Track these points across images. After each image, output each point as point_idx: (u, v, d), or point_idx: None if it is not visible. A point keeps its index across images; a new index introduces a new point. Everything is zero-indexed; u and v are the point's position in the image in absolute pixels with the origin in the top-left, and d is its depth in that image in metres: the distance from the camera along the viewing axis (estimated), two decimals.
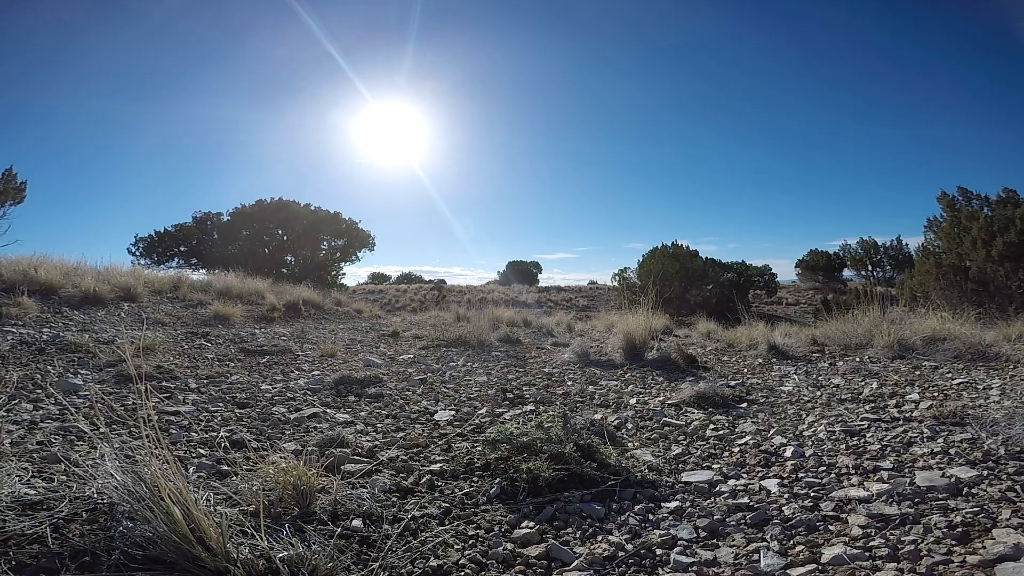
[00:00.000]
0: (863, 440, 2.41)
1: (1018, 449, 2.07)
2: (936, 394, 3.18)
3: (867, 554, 1.46)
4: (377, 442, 2.49)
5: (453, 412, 3.07)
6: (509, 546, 1.56)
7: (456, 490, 1.95)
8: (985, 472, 1.91)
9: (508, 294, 24.27)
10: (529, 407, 3.21)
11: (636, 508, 1.82)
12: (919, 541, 1.50)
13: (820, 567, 1.42)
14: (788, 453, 2.29)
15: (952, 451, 2.15)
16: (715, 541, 1.61)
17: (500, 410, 3.14)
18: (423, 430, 2.72)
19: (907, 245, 23.66)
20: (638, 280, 19.02)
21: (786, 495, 1.88)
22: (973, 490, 1.79)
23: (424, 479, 2.03)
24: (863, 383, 3.63)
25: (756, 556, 1.50)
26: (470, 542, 1.59)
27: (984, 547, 1.43)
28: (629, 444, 2.52)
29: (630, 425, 2.85)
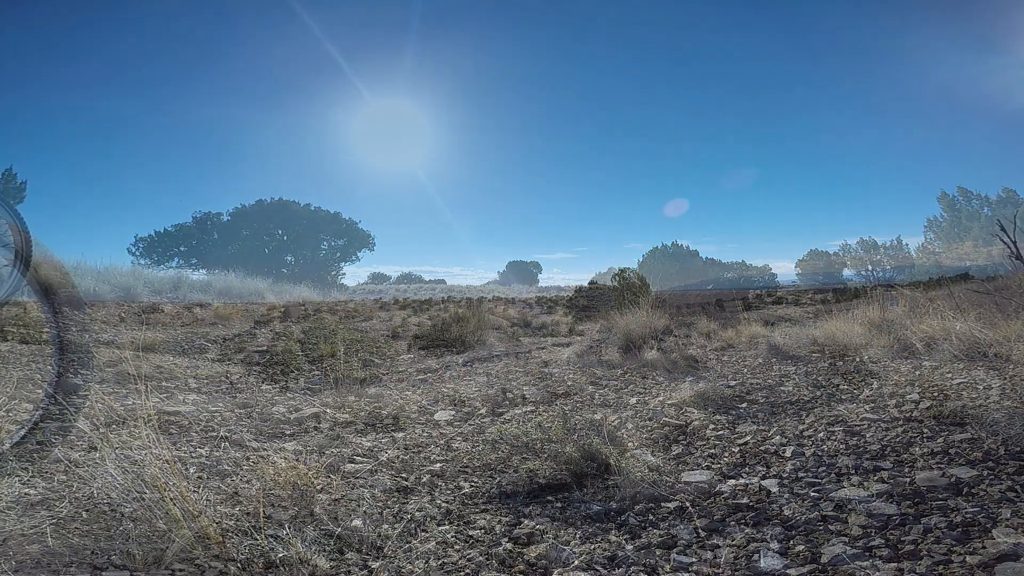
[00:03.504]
0: (863, 440, 2.41)
1: (1018, 449, 2.07)
2: (936, 394, 3.17)
3: (867, 554, 1.46)
4: (377, 442, 2.49)
5: (453, 412, 3.07)
6: (509, 546, 1.56)
7: (456, 490, 1.95)
8: (985, 472, 1.90)
9: (508, 294, 24.26)
10: (529, 407, 3.21)
11: (636, 508, 1.82)
12: (919, 541, 1.49)
13: (820, 567, 1.42)
14: (788, 453, 2.29)
15: (952, 451, 2.15)
16: (715, 541, 1.61)
17: (500, 410, 3.14)
18: (423, 430, 2.72)
19: (907, 245, 23.70)
20: (638, 280, 19.01)
21: (786, 495, 1.88)
22: (973, 490, 1.79)
23: (424, 479, 2.03)
24: (863, 383, 3.63)
25: (756, 556, 1.50)
26: (470, 542, 1.59)
27: (984, 547, 1.43)
28: (629, 444, 2.52)
29: (630, 425, 2.85)
